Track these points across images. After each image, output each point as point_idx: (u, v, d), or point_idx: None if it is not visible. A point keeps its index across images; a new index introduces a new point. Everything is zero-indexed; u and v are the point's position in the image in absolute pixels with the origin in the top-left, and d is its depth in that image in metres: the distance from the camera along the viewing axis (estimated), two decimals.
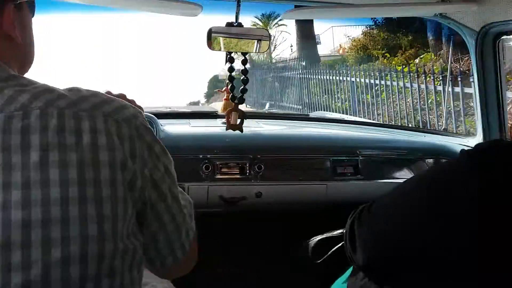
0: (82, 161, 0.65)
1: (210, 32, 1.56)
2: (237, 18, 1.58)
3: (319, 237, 1.24)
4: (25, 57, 0.80)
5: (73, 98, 0.68)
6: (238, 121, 1.79)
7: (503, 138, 1.82)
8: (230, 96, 1.79)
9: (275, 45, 16.04)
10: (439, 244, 0.74)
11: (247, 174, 1.79)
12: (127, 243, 0.69)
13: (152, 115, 1.80)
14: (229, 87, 1.78)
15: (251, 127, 2.00)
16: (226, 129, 1.78)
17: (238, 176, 1.79)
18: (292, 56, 13.88)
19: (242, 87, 1.73)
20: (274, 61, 14.83)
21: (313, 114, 2.76)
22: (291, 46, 15.66)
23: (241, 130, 1.78)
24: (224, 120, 2.01)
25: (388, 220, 0.83)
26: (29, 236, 0.61)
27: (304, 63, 11.21)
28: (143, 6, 1.50)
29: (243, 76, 1.71)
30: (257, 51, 1.64)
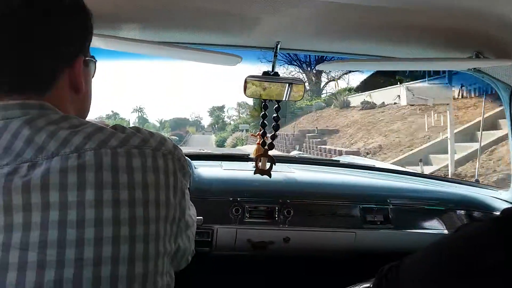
0: (133, 200, 0.69)
1: (246, 80, 1.62)
2: (273, 67, 1.65)
3: None
4: (82, 111, 0.85)
5: (122, 136, 0.73)
6: (268, 165, 1.82)
7: None
8: (261, 142, 1.83)
9: None
10: None
11: (276, 218, 1.80)
12: (165, 280, 0.74)
13: (187, 157, 1.85)
14: (261, 132, 1.82)
15: (282, 171, 2.02)
16: (254, 173, 1.81)
17: (267, 220, 1.80)
18: None
19: (273, 133, 1.77)
20: None
21: (343, 160, 2.75)
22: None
23: (270, 175, 1.81)
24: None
25: (412, 286, 0.82)
26: (81, 275, 0.65)
27: None
28: (188, 56, 1.59)
29: (274, 123, 1.75)
30: (291, 99, 1.69)
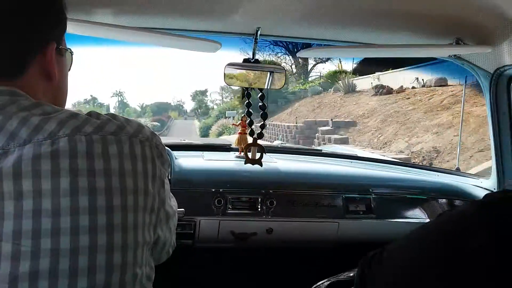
0: (110, 188, 0.67)
1: (226, 68, 1.60)
2: (254, 54, 1.63)
3: (327, 281, 1.21)
4: (56, 100, 0.82)
5: (97, 122, 0.71)
6: (258, 155, 1.80)
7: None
8: (249, 131, 1.81)
9: None
10: None
11: (259, 209, 1.79)
12: (144, 270, 0.72)
13: (167, 148, 1.82)
14: (247, 121, 1.80)
15: (265, 162, 2.00)
16: (245, 163, 1.80)
17: (250, 211, 1.79)
18: None
19: (262, 122, 1.75)
20: None
21: (326, 149, 2.75)
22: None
23: (261, 164, 1.80)
24: (237, 153, 2.03)
25: (396, 272, 0.82)
26: (57, 265, 0.63)
27: None
28: (165, 42, 1.55)
29: (262, 111, 1.73)
30: (272, 87, 1.67)
